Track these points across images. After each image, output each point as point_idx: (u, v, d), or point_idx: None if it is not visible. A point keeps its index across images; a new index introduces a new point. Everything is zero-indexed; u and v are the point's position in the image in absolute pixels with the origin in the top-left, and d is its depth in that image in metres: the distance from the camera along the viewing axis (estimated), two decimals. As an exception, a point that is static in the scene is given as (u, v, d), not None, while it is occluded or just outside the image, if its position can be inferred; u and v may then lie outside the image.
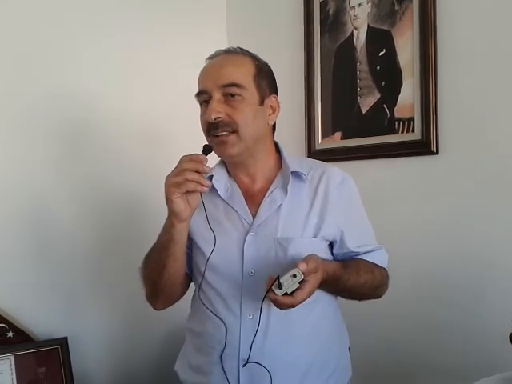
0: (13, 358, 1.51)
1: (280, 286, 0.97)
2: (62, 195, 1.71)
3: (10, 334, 1.54)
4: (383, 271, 1.19)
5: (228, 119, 1.09)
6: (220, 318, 1.12)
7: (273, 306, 1.02)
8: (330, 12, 1.84)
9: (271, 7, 2.07)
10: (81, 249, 1.74)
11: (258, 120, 1.12)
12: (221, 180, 1.19)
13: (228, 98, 1.09)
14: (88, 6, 1.77)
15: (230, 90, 1.09)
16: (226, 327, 1.11)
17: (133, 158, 1.87)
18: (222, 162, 1.23)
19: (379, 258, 1.18)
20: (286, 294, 0.97)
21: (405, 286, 1.55)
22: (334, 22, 1.83)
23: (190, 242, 1.21)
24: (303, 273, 0.97)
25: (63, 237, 1.70)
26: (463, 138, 1.49)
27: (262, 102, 1.13)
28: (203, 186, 1.02)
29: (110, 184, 1.82)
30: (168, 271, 1.12)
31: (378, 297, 1.21)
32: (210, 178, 1.18)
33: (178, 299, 1.26)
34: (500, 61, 1.41)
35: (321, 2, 1.87)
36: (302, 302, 0.99)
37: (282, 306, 0.99)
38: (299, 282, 0.97)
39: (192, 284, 1.27)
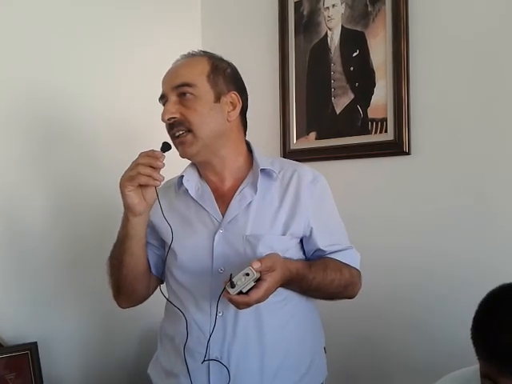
0: (-20, 365, 1.47)
1: (233, 285, 0.96)
2: (35, 194, 1.67)
3: (-23, 340, 1.50)
4: (353, 270, 1.18)
5: (181, 118, 1.11)
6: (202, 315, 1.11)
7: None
8: (305, 13, 1.85)
9: (246, 7, 2.07)
10: (52, 250, 1.70)
11: (213, 117, 1.13)
12: (192, 180, 1.19)
13: (182, 97, 1.12)
14: (64, 4, 1.74)
15: (182, 89, 1.11)
16: (197, 325, 1.11)
17: (108, 158, 1.84)
18: (194, 164, 1.23)
19: (349, 258, 1.18)
20: (241, 292, 0.96)
21: (379, 285, 1.56)
22: (308, 22, 1.84)
23: (161, 242, 1.21)
24: (258, 271, 0.96)
25: (34, 237, 1.66)
26: (435, 139, 1.51)
27: (217, 99, 1.13)
28: (155, 180, 1.04)
29: (84, 183, 1.79)
30: (126, 267, 1.14)
31: (351, 296, 1.20)
32: (181, 178, 1.19)
33: (143, 298, 1.25)
34: (472, 62, 1.43)
35: (295, 3, 1.87)
36: (258, 301, 0.98)
37: (237, 305, 0.99)
38: (256, 281, 0.96)
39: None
